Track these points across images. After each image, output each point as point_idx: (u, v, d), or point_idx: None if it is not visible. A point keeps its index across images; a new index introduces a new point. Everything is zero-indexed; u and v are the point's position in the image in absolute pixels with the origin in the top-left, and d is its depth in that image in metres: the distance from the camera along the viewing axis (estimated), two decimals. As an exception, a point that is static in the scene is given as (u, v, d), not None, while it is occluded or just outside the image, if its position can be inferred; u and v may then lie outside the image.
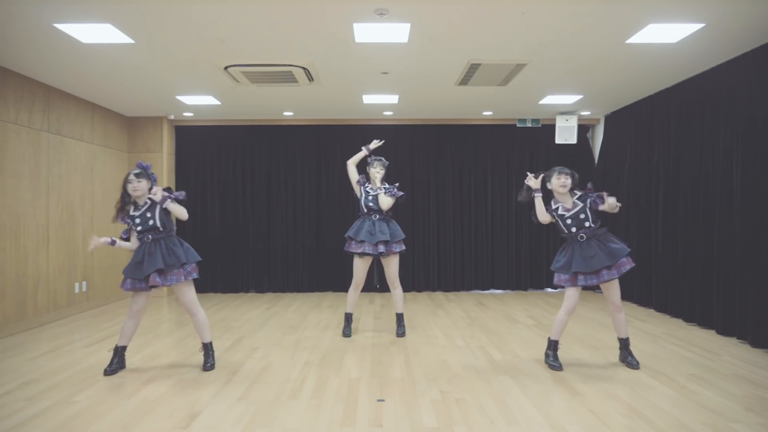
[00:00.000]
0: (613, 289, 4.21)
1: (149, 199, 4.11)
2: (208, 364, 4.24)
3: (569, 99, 7.11)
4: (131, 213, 4.12)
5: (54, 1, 3.88)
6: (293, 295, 8.21)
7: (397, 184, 5.37)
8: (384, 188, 5.23)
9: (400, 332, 5.37)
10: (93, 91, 6.49)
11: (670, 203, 6.33)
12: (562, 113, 7.99)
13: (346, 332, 5.37)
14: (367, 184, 5.31)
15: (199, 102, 7.11)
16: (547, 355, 4.30)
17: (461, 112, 7.95)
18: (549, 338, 4.33)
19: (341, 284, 8.42)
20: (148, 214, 4.07)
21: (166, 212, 4.10)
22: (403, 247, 5.26)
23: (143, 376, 4.08)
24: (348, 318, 5.43)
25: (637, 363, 4.22)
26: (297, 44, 4.87)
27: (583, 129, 8.50)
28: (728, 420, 3.18)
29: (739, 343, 5.01)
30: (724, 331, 5.27)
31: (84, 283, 6.84)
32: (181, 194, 4.20)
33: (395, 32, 4.53)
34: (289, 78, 5.89)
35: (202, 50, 5.00)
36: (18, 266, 5.67)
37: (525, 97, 7.00)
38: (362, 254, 5.16)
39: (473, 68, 5.60)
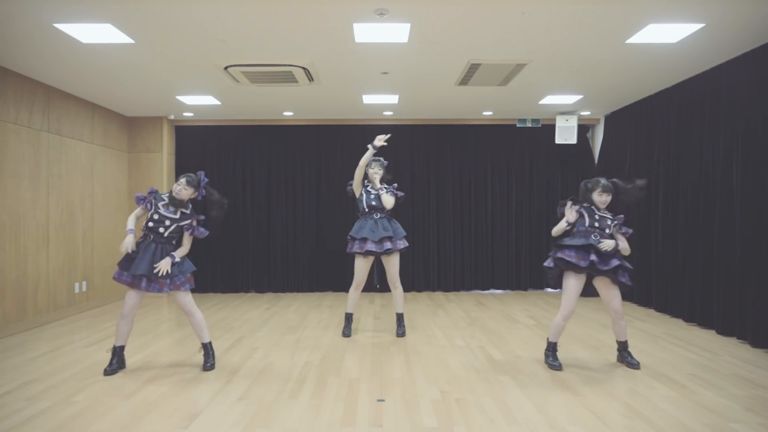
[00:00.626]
0: (611, 297, 4.20)
1: (182, 212, 4.15)
2: (208, 363, 4.24)
3: (569, 99, 7.10)
4: (160, 208, 4.13)
5: (54, 1, 3.88)
6: (293, 295, 8.21)
7: (395, 185, 5.38)
8: (384, 188, 5.24)
9: (400, 332, 5.37)
10: (93, 91, 6.49)
11: (670, 203, 6.33)
12: (562, 113, 7.99)
13: (346, 332, 5.37)
14: (366, 184, 5.32)
15: (199, 102, 7.11)
16: (546, 356, 4.31)
17: (461, 112, 7.95)
18: (548, 339, 4.33)
19: (341, 284, 8.42)
20: (168, 222, 4.10)
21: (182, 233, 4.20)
22: (407, 244, 5.30)
23: (143, 376, 4.08)
24: (348, 318, 5.43)
25: (638, 363, 4.22)
26: (297, 44, 4.87)
27: (583, 129, 8.50)
28: (728, 420, 3.18)
29: (739, 343, 5.01)
30: (724, 331, 5.27)
31: (84, 283, 6.84)
32: (203, 233, 4.26)
33: (395, 32, 4.53)
34: (289, 78, 5.89)
35: (202, 50, 5.00)
36: (18, 266, 5.67)
37: (525, 97, 7.00)
38: (367, 253, 5.16)
39: (473, 68, 5.60)
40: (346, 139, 8.50)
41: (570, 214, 4.16)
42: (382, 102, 7.17)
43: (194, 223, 4.23)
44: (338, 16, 4.22)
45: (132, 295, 4.12)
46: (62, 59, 5.21)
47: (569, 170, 8.54)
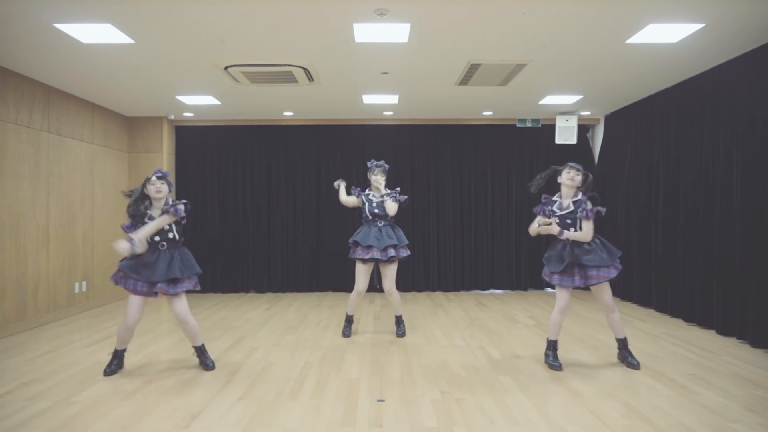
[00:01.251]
0: (601, 291, 4.19)
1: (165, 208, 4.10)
2: (209, 362, 4.24)
3: (569, 99, 7.11)
4: (151, 215, 4.05)
5: (54, 1, 3.88)
6: (293, 295, 8.21)
7: (398, 189, 5.38)
8: (388, 194, 5.26)
9: (400, 332, 5.37)
10: (93, 91, 6.49)
11: (670, 203, 6.33)
12: (562, 113, 7.99)
13: (346, 332, 5.37)
14: (368, 192, 5.32)
15: (199, 102, 7.11)
16: (546, 355, 4.31)
17: (461, 112, 7.95)
18: (547, 338, 4.33)
19: (341, 284, 8.43)
20: (166, 227, 4.06)
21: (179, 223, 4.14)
22: (409, 252, 5.34)
23: (143, 376, 4.08)
24: (349, 319, 5.43)
25: (638, 363, 4.22)
26: (297, 44, 4.87)
27: (583, 129, 8.50)
28: (728, 420, 3.18)
29: (739, 343, 5.01)
30: (724, 331, 5.26)
31: (84, 283, 6.84)
32: (179, 211, 4.08)
33: (395, 32, 4.53)
34: (289, 78, 5.89)
35: (202, 50, 5.00)
36: (18, 266, 5.67)
37: (525, 97, 7.00)
38: (370, 260, 5.16)
39: (473, 68, 5.60)
40: (346, 139, 8.50)
41: (551, 228, 4.11)
42: (382, 102, 7.17)
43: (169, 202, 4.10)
44: (338, 16, 4.22)
45: (137, 305, 4.06)
46: (62, 59, 5.21)
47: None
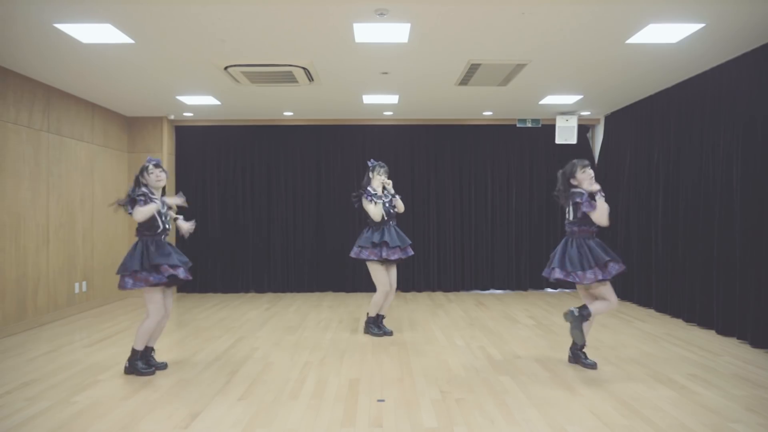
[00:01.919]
0: (599, 290, 4.15)
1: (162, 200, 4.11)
2: (133, 366, 4.09)
3: (569, 99, 7.11)
4: (162, 208, 4.08)
5: (54, 1, 3.88)
6: (293, 295, 8.21)
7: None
8: (394, 195, 5.35)
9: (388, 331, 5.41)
10: (93, 91, 6.49)
11: (670, 203, 6.33)
12: (562, 113, 7.99)
13: (386, 331, 5.38)
14: (374, 193, 5.22)
15: (199, 102, 7.11)
16: (580, 355, 4.30)
17: (461, 112, 7.95)
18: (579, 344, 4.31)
19: (341, 284, 8.43)
20: (165, 217, 4.10)
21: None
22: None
23: (143, 376, 4.08)
24: (380, 319, 5.43)
25: (593, 363, 4.22)
26: (297, 44, 4.87)
27: (583, 129, 8.50)
28: (728, 420, 3.18)
29: (739, 343, 5.01)
30: (724, 331, 5.26)
31: (84, 283, 6.84)
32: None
33: (395, 32, 4.53)
34: (289, 78, 5.89)
35: (202, 50, 5.00)
36: (18, 266, 5.67)
37: (525, 97, 7.00)
38: (396, 260, 5.25)
39: (473, 68, 5.60)
40: (346, 139, 8.50)
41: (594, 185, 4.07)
42: (382, 102, 7.17)
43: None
44: (338, 16, 4.22)
45: (159, 297, 4.08)
46: (62, 59, 5.21)
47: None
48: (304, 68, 5.56)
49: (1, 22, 4.27)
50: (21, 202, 5.73)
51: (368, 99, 7.02)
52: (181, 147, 8.49)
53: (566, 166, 4.25)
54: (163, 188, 4.16)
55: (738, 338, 5.08)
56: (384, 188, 5.30)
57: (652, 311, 6.63)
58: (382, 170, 5.28)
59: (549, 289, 8.59)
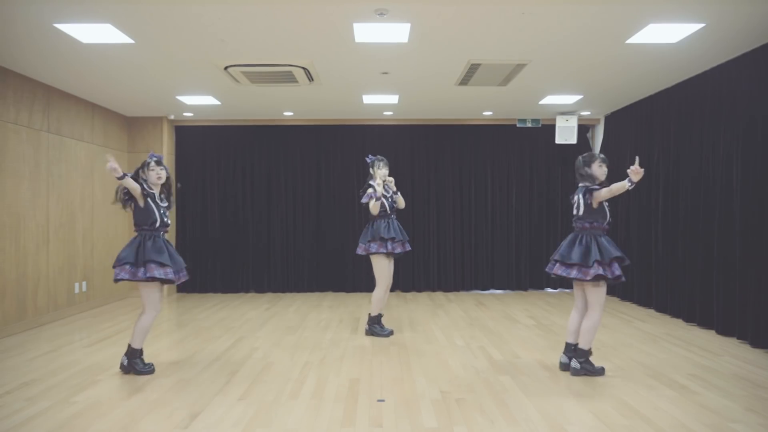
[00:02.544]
0: (587, 291, 4.06)
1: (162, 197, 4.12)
2: (128, 366, 4.10)
3: (569, 99, 7.10)
4: (160, 203, 4.10)
5: (54, 1, 3.88)
6: (293, 295, 8.21)
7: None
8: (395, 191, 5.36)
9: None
10: (93, 91, 6.49)
11: (670, 203, 6.33)
12: (562, 113, 7.99)
13: (388, 331, 5.36)
14: (375, 188, 5.20)
15: (199, 102, 7.11)
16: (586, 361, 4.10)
17: (461, 112, 7.95)
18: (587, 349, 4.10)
19: (341, 284, 8.43)
20: (166, 213, 4.10)
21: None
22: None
23: (143, 376, 4.08)
24: (381, 318, 5.41)
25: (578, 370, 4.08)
26: (297, 44, 4.87)
27: (583, 129, 8.50)
28: (728, 420, 3.18)
29: (739, 343, 5.01)
30: (724, 331, 5.26)
31: (84, 283, 6.84)
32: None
33: (395, 32, 4.53)
34: (289, 78, 5.89)
35: (202, 50, 5.00)
36: (18, 266, 5.67)
37: (525, 97, 7.00)
38: (399, 254, 5.27)
39: (473, 68, 5.60)
40: (346, 139, 8.50)
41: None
42: (382, 102, 7.17)
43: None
44: (338, 16, 4.22)
45: (157, 293, 4.09)
46: (62, 59, 5.21)
47: (569, 170, 8.53)
48: (304, 68, 5.56)
49: (1, 22, 4.27)
50: (21, 202, 5.72)
51: (368, 99, 7.02)
52: (181, 147, 8.49)
53: (586, 154, 4.20)
54: (169, 188, 4.17)
55: (738, 338, 5.08)
56: (385, 186, 5.29)
57: (652, 311, 6.63)
58: (381, 164, 5.26)
59: (549, 289, 8.59)
